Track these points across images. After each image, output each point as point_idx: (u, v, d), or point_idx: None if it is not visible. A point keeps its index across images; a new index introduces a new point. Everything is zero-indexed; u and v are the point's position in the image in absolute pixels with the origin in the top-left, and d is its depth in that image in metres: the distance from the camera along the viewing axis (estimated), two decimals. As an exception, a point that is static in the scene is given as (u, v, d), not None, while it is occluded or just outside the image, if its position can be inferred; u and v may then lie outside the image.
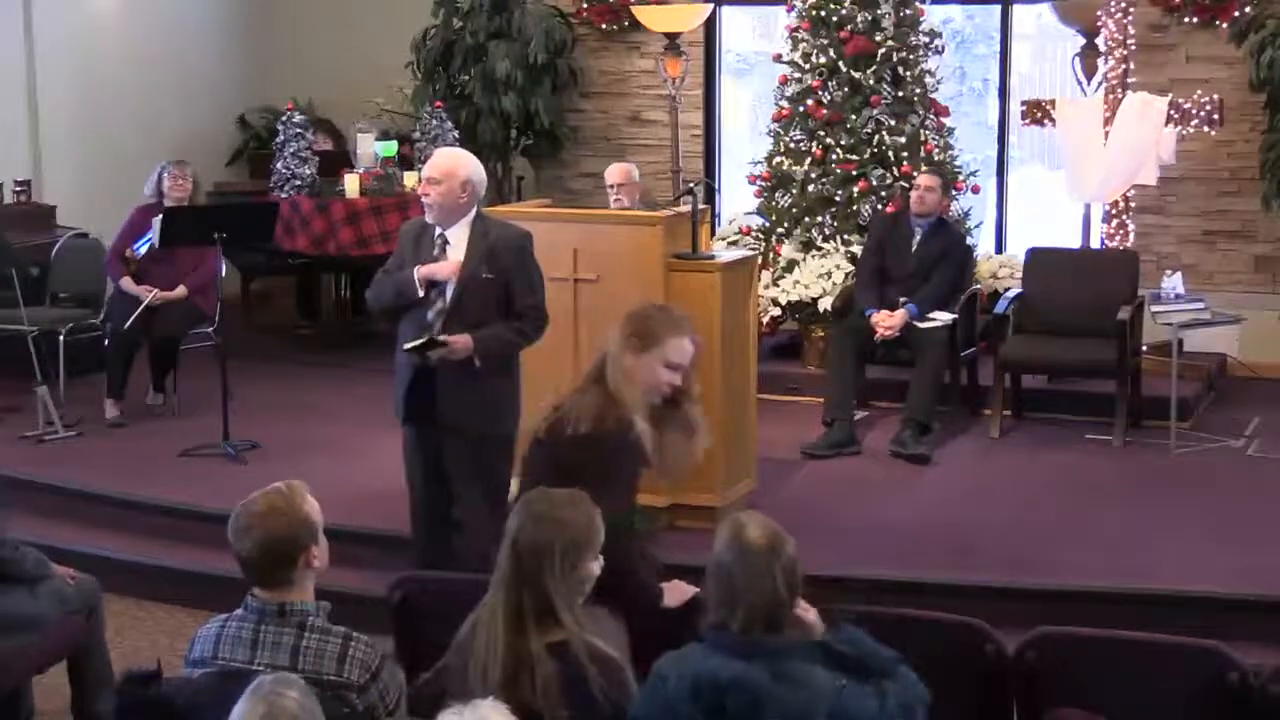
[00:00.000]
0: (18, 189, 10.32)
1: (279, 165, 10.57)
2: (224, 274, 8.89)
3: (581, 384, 4.71)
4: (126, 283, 8.88)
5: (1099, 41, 9.37)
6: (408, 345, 5.78)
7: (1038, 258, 9.17)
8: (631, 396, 4.53)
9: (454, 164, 5.86)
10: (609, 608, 4.27)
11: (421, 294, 5.81)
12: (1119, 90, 9.25)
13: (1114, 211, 9.40)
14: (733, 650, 3.48)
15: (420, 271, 5.80)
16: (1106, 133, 9.23)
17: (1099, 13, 9.28)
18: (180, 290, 8.86)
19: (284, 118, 10.74)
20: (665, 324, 4.63)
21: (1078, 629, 4.36)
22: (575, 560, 3.73)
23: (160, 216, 8.53)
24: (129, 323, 8.72)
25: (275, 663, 3.67)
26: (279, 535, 3.73)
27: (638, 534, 4.63)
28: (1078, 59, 9.63)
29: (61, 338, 9.03)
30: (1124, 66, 9.26)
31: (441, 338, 5.71)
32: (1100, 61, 9.38)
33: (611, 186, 8.62)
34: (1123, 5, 9.21)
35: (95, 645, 5.56)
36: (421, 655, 4.26)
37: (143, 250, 8.90)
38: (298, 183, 10.47)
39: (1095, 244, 9.49)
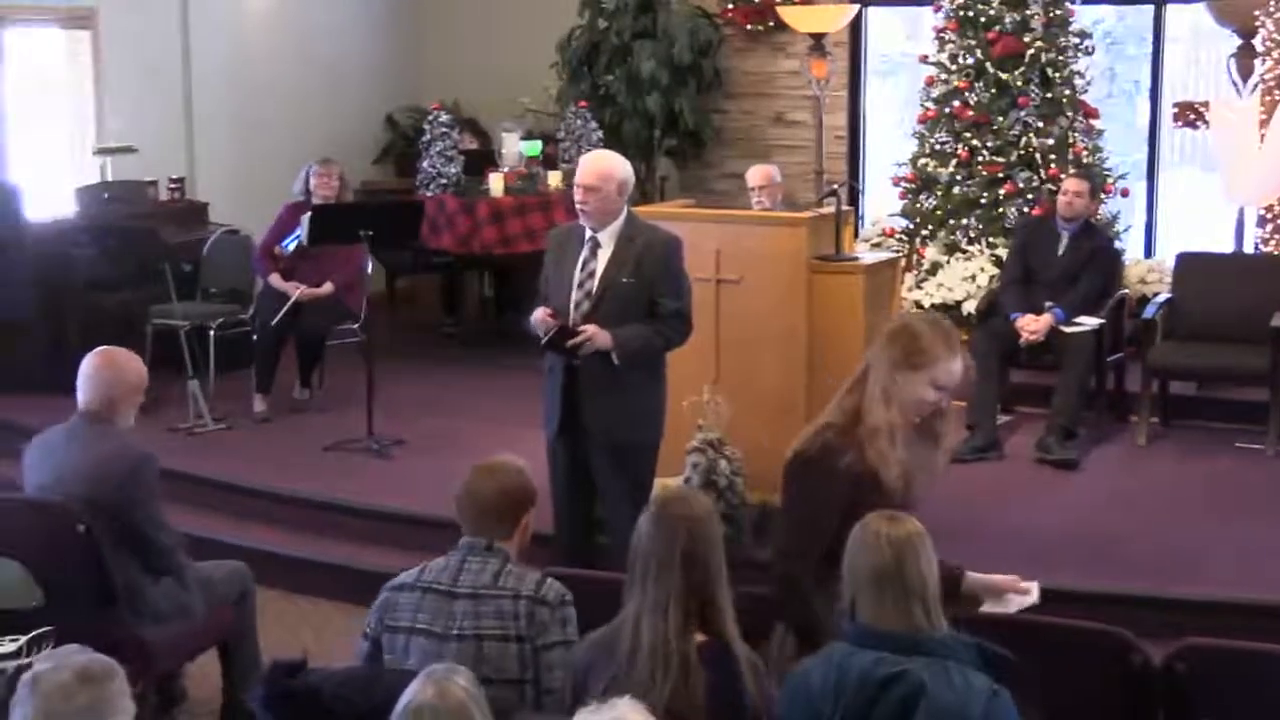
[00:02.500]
0: (172, 186, 10.53)
1: (425, 164, 10.67)
2: (370, 271, 8.99)
3: (838, 396, 4.38)
4: (275, 279, 9.03)
5: (1255, 42, 9.19)
6: (543, 340, 5.80)
7: (1189, 262, 9.00)
8: (884, 416, 4.18)
9: (609, 168, 5.83)
10: None
11: (545, 340, 5.80)
12: (1275, 91, 9.05)
13: (1269, 216, 9.20)
14: (887, 646, 3.45)
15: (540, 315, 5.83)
16: (1262, 135, 9.03)
17: (1256, 12, 9.09)
18: (327, 287, 8.99)
19: (430, 117, 10.83)
20: (938, 342, 4.25)
21: (1229, 641, 4.27)
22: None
23: (309, 214, 8.63)
24: (277, 319, 8.86)
25: (478, 584, 4.00)
26: (516, 485, 4.17)
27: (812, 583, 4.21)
28: (1233, 60, 9.44)
29: (212, 332, 9.19)
30: (1281, 67, 9.07)
31: (577, 328, 5.72)
32: (1257, 62, 9.19)
33: (753, 189, 8.59)
34: (1281, 4, 9.02)
35: (246, 633, 5.65)
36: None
37: (291, 247, 9.03)
38: (443, 181, 10.56)
39: (1249, 249, 9.30)
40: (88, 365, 5.30)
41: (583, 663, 3.79)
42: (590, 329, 5.70)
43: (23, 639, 4.69)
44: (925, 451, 4.34)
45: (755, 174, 8.65)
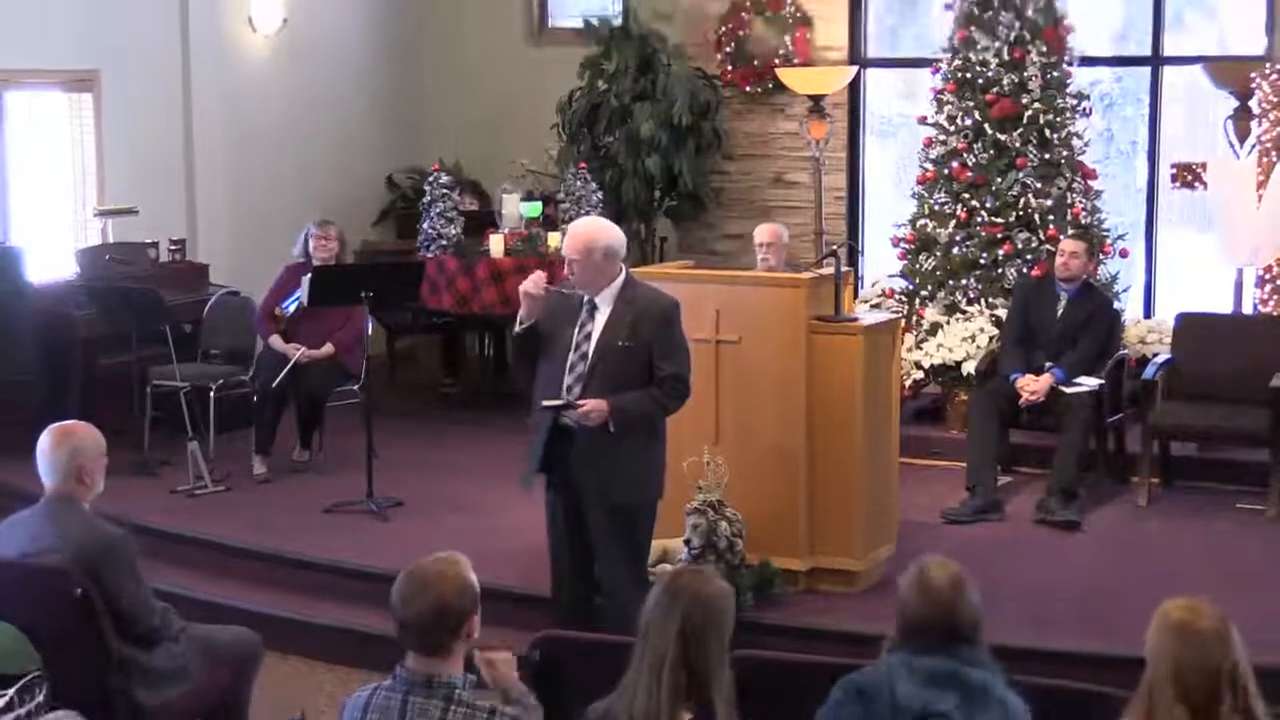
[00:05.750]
0: (173, 248, 10.55)
1: (425, 225, 10.67)
2: (370, 332, 8.99)
3: None
4: (275, 340, 9.03)
5: (1252, 104, 9.23)
6: (545, 403, 5.79)
7: (1188, 323, 9.02)
8: None
9: (590, 238, 5.79)
10: None
11: (519, 329, 5.85)
12: (1273, 153, 9.08)
13: (1267, 276, 9.22)
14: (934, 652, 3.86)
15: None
16: (1259, 195, 9.06)
17: (1253, 74, 9.14)
18: (327, 348, 8.99)
19: (431, 178, 10.84)
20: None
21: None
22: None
23: (310, 275, 8.64)
24: (277, 380, 8.86)
25: None
26: (449, 601, 3.79)
27: None
28: (1230, 121, 9.48)
29: (212, 394, 9.17)
30: (1278, 129, 9.10)
31: (578, 401, 5.73)
32: (1253, 124, 9.23)
33: (760, 245, 8.62)
34: (1278, 67, 9.06)
35: (241, 703, 5.54)
36: (561, 715, 4.26)
37: (291, 308, 9.04)
38: (443, 242, 10.57)
39: (1248, 309, 9.31)
40: (46, 444, 5.08)
41: None
42: (590, 403, 5.68)
43: (10, 691, 4.65)
44: None
45: (763, 231, 8.68)
